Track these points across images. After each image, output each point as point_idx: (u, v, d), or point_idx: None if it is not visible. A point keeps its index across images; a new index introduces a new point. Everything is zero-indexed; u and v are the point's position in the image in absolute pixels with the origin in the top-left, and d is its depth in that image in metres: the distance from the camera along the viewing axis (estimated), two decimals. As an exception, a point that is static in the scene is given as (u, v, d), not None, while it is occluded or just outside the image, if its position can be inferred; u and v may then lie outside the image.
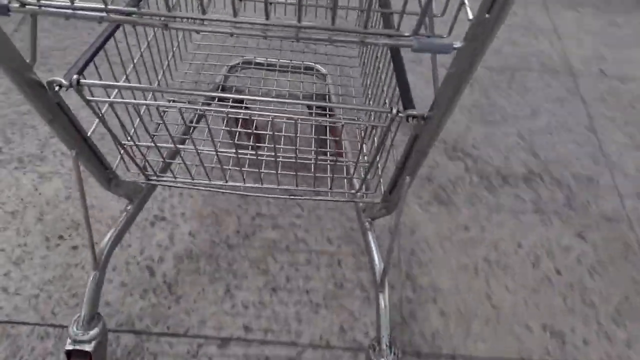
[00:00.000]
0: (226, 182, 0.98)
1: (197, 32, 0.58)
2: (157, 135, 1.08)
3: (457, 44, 0.56)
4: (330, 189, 1.02)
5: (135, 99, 0.90)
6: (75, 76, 0.71)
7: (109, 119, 0.81)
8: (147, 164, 1.00)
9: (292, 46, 1.40)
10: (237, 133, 1.22)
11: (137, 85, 0.75)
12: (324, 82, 1.26)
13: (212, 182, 0.98)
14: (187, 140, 1.20)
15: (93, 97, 0.76)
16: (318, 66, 1.26)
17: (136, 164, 0.95)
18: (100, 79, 0.77)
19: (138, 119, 0.99)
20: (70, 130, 0.81)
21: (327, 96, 1.23)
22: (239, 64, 1.30)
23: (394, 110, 0.73)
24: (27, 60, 0.69)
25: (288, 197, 1.04)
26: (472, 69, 0.58)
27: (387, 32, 0.55)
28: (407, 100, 0.77)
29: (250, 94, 1.26)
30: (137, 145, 0.90)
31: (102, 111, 0.84)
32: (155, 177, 1.00)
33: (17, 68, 0.68)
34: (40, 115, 0.75)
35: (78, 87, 0.72)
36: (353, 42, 0.56)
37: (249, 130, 1.18)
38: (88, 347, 0.94)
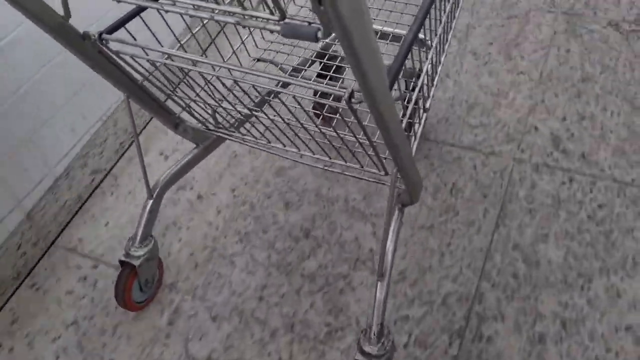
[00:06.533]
0: (284, 146, 1.02)
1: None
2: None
3: (320, 34, 0.53)
4: (362, 167, 1.01)
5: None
6: (97, 31, 0.84)
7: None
8: (215, 116, 1.10)
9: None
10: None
11: (164, 49, 0.84)
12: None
13: (261, 143, 1.03)
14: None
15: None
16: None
17: (193, 115, 1.07)
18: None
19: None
20: (117, 75, 0.95)
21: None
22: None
23: (347, 93, 0.70)
24: (62, 15, 0.83)
25: (322, 167, 1.06)
26: (357, 54, 0.55)
27: (258, 15, 0.55)
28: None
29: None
30: (194, 101, 0.99)
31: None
32: (215, 129, 1.11)
33: (52, 23, 0.82)
34: (83, 62, 0.90)
35: (100, 41, 0.85)
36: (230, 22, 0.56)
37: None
38: (135, 262, 1.12)
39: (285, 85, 1.22)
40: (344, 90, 0.71)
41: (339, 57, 1.30)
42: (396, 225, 1.00)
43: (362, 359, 0.94)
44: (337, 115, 0.85)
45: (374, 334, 0.95)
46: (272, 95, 1.16)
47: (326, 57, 1.30)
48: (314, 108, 1.38)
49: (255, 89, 0.82)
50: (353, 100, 0.71)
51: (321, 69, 1.37)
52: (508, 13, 1.79)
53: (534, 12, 1.78)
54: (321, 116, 1.26)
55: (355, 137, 0.86)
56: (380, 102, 0.64)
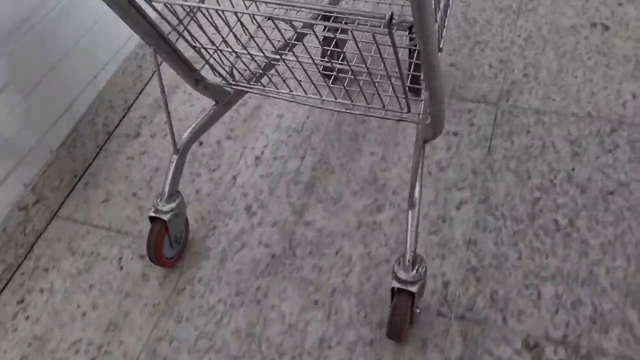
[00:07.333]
0: (306, 94, 1.07)
1: None
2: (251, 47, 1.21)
3: None
4: (384, 106, 1.06)
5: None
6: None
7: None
8: (233, 70, 1.13)
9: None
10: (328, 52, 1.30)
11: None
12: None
13: (283, 93, 1.07)
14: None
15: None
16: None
17: (213, 70, 1.09)
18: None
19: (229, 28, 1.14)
20: (146, 28, 0.97)
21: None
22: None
23: (387, 15, 0.75)
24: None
25: (344, 110, 1.10)
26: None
27: None
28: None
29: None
30: (220, 51, 1.02)
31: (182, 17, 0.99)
32: (235, 83, 1.14)
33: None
34: (115, 13, 0.92)
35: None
36: None
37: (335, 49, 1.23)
38: (165, 217, 1.15)
39: (300, 37, 1.26)
40: (384, 13, 0.76)
41: (344, 19, 1.34)
42: (422, 160, 1.05)
43: (399, 285, 0.99)
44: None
45: (409, 261, 1.00)
46: (295, 38, 1.19)
47: (332, 16, 1.34)
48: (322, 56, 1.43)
49: (291, 24, 0.86)
50: (393, 21, 0.75)
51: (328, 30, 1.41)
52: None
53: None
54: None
55: (387, 70, 0.91)
56: (427, 21, 0.69)
